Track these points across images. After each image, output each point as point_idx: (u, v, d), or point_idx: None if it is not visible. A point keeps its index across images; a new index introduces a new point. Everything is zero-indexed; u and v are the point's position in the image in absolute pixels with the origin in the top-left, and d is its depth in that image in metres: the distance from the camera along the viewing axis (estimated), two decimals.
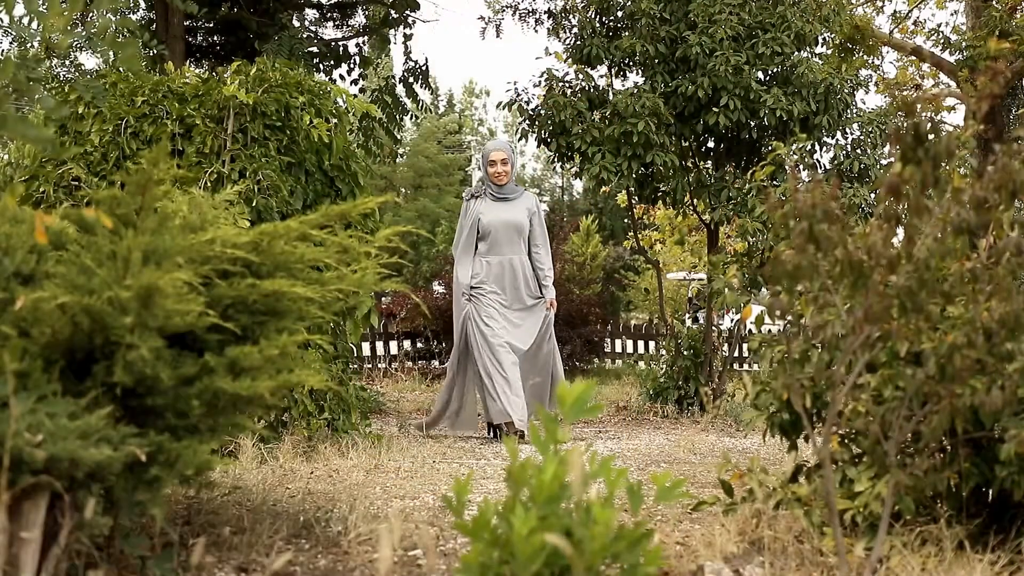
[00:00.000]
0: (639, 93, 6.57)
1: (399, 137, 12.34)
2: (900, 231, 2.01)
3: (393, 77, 11.66)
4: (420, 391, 8.58)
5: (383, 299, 11.43)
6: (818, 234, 1.93)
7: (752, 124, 6.74)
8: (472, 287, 5.70)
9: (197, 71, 5.20)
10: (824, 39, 7.33)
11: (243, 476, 3.38)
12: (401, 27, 11.49)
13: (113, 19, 9.45)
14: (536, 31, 7.99)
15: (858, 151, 6.84)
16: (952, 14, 16.45)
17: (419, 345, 10.65)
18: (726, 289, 5.74)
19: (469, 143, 41.44)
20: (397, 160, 25.35)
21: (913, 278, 1.91)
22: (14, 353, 1.74)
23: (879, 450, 2.10)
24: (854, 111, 6.98)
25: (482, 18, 9.54)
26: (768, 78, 6.93)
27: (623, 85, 7.14)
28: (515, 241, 5.76)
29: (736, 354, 10.58)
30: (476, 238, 5.81)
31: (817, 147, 6.97)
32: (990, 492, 2.43)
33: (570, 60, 7.08)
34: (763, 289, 6.52)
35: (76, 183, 4.06)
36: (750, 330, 8.27)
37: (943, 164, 1.94)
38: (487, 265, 5.73)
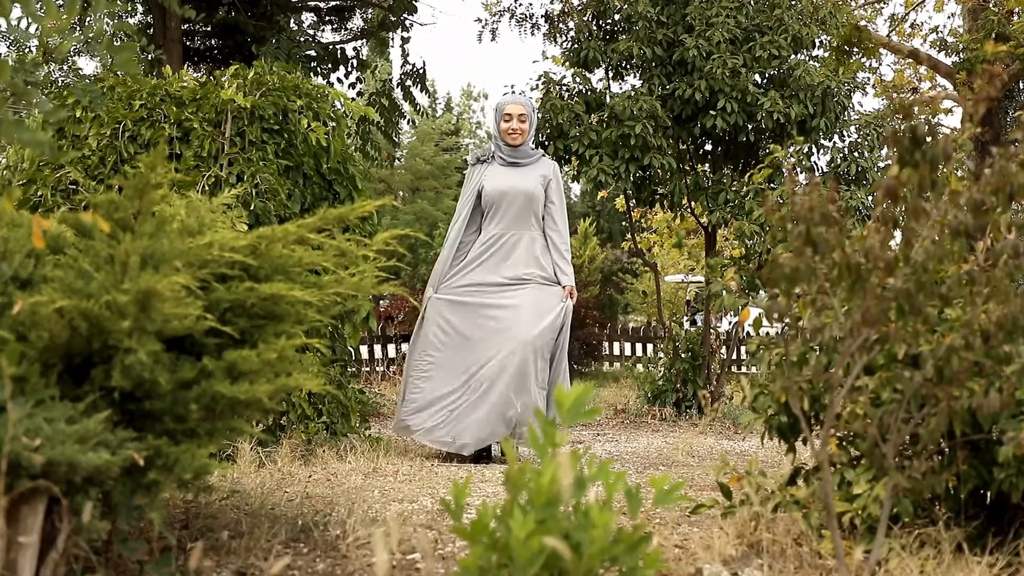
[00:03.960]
0: (636, 96, 6.58)
1: (397, 140, 12.36)
2: (898, 234, 2.01)
3: (391, 80, 11.68)
4: None
5: (381, 302, 11.43)
6: (816, 237, 1.93)
7: (749, 127, 6.76)
8: (444, 285, 4.73)
9: (195, 75, 5.20)
10: (821, 42, 7.35)
11: (241, 480, 3.37)
12: (398, 30, 11.50)
13: (110, 23, 9.46)
14: (532, 35, 8.00)
15: (855, 154, 6.86)
16: (949, 16, 16.48)
17: None
18: (724, 292, 5.76)
19: (467, 146, 41.45)
20: (395, 164, 25.37)
21: (911, 281, 1.91)
22: (12, 357, 1.74)
23: (877, 452, 2.10)
24: (851, 114, 7.00)
25: (479, 20, 9.54)
26: (765, 81, 6.95)
27: (620, 88, 7.16)
28: (525, 215, 4.76)
29: (734, 357, 10.59)
30: (479, 214, 4.86)
31: (814, 150, 6.99)
32: (988, 494, 2.43)
33: (567, 63, 7.10)
34: (761, 292, 6.53)
35: (74, 187, 4.05)
36: (748, 333, 8.27)
37: (940, 167, 1.94)
38: (488, 241, 4.76)
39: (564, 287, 4.76)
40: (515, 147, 4.83)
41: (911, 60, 13.72)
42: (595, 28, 7.09)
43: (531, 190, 4.77)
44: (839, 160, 6.85)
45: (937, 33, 12.73)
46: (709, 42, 6.57)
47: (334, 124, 4.45)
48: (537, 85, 6.96)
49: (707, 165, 7.40)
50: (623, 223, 24.42)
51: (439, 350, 4.69)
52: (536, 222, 4.80)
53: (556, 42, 7.24)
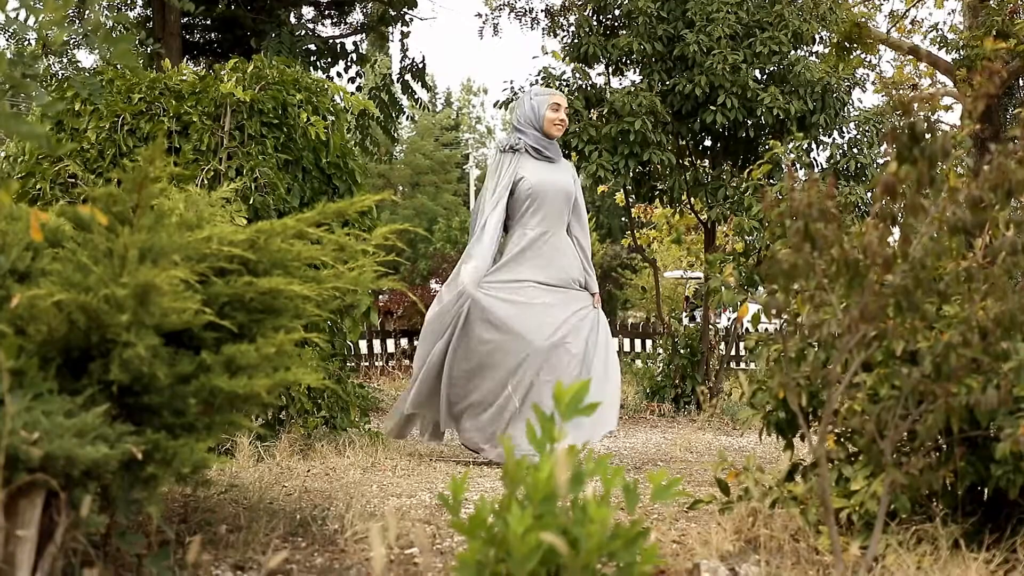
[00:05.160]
0: (636, 92, 6.58)
1: (396, 136, 12.34)
2: (896, 230, 2.01)
3: (390, 75, 11.67)
4: None
5: (380, 297, 11.43)
6: (814, 233, 1.93)
7: (749, 123, 6.76)
8: (488, 281, 4.30)
9: (194, 68, 5.20)
10: (821, 38, 7.36)
11: (240, 474, 3.38)
12: (398, 24, 11.49)
13: (108, 15, 9.45)
14: (532, 29, 8.01)
15: (855, 150, 6.86)
16: (949, 13, 16.52)
17: (416, 343, 10.64)
18: (723, 288, 5.75)
19: (467, 141, 41.42)
20: (394, 159, 25.37)
21: (909, 277, 1.91)
22: (10, 351, 1.74)
23: (875, 449, 2.10)
24: (851, 110, 7.01)
25: (479, 15, 9.54)
26: (765, 77, 6.95)
27: (620, 84, 7.16)
28: (563, 215, 4.49)
29: (733, 353, 10.60)
30: (508, 209, 4.46)
31: (814, 146, 6.99)
32: (985, 491, 2.43)
33: (567, 59, 7.10)
34: (759, 288, 6.54)
35: (72, 180, 4.05)
36: (747, 329, 8.27)
37: (939, 163, 1.94)
38: (529, 238, 4.40)
39: (593, 294, 4.54)
40: (553, 140, 4.55)
41: (911, 56, 13.71)
42: (595, 23, 7.08)
43: (570, 188, 4.51)
44: (838, 156, 6.85)
45: (937, 30, 12.72)
46: (709, 38, 6.57)
47: (333, 118, 4.44)
48: (537, 80, 6.96)
49: (707, 161, 7.40)
50: (623, 219, 24.43)
51: (492, 356, 4.26)
52: (566, 221, 4.53)
53: (556, 37, 7.24)
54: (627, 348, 12.72)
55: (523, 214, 4.43)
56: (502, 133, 44.97)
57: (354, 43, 11.87)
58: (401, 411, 4.54)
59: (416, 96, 11.75)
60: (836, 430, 2.42)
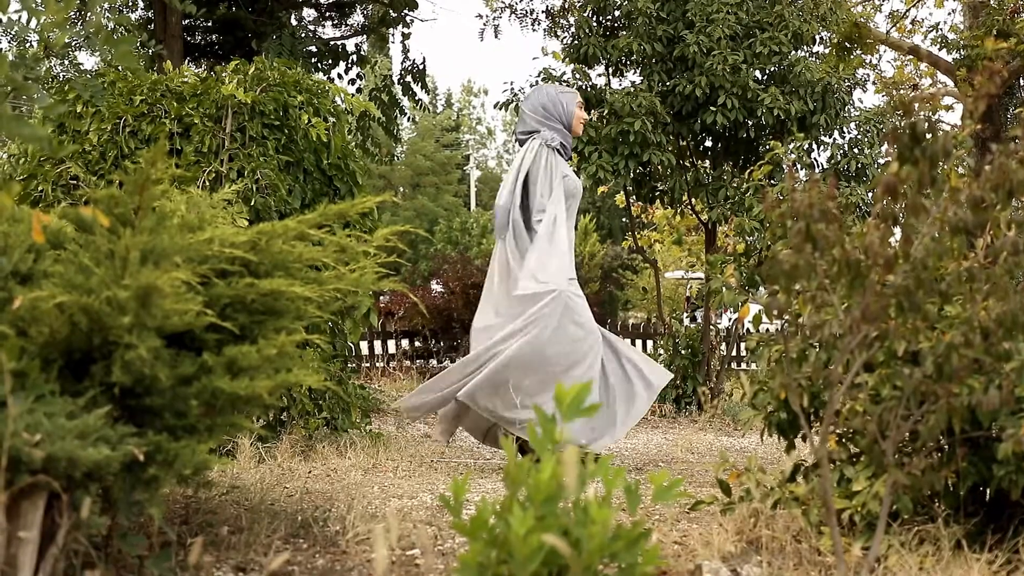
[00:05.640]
0: (636, 92, 6.58)
1: (398, 136, 12.35)
2: (897, 231, 2.01)
3: (391, 76, 11.69)
4: None
5: (381, 298, 11.43)
6: (815, 233, 1.93)
7: (750, 123, 6.76)
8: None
9: (195, 70, 5.20)
10: (822, 38, 7.36)
11: (241, 475, 3.38)
12: (399, 26, 11.50)
13: (109, 17, 9.46)
14: (533, 30, 8.04)
15: (855, 150, 6.86)
16: (950, 13, 16.51)
17: (417, 344, 10.65)
18: (724, 288, 5.75)
19: (467, 142, 41.44)
20: (395, 160, 25.39)
21: (910, 278, 1.91)
22: (12, 353, 1.74)
23: (877, 449, 2.10)
24: (851, 110, 7.01)
25: (480, 16, 9.54)
26: (766, 77, 6.95)
27: (620, 84, 7.17)
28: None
29: (734, 353, 10.59)
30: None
31: (814, 146, 6.99)
32: (987, 491, 2.43)
33: (567, 60, 7.10)
34: (761, 288, 6.54)
35: (74, 182, 4.05)
36: (748, 329, 8.28)
37: (940, 163, 1.94)
38: (570, 240, 4.28)
39: None
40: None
41: (911, 56, 13.71)
42: (595, 24, 7.09)
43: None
44: (839, 156, 6.85)
45: (937, 30, 12.72)
46: (710, 38, 6.57)
47: (334, 120, 4.44)
48: (537, 81, 6.97)
49: (707, 161, 7.40)
50: (623, 219, 24.43)
51: (576, 351, 4.14)
52: None
53: (557, 38, 7.25)
54: None
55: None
56: (503, 134, 44.96)
57: (355, 45, 11.89)
58: (437, 393, 4.25)
59: (417, 98, 11.76)
60: (838, 431, 2.42)
